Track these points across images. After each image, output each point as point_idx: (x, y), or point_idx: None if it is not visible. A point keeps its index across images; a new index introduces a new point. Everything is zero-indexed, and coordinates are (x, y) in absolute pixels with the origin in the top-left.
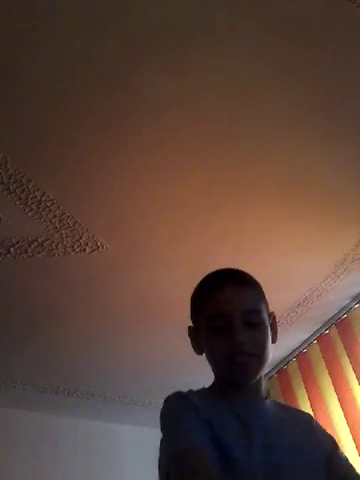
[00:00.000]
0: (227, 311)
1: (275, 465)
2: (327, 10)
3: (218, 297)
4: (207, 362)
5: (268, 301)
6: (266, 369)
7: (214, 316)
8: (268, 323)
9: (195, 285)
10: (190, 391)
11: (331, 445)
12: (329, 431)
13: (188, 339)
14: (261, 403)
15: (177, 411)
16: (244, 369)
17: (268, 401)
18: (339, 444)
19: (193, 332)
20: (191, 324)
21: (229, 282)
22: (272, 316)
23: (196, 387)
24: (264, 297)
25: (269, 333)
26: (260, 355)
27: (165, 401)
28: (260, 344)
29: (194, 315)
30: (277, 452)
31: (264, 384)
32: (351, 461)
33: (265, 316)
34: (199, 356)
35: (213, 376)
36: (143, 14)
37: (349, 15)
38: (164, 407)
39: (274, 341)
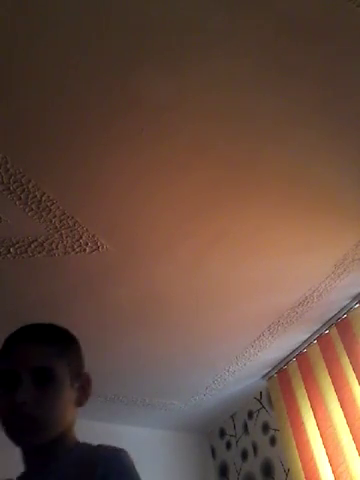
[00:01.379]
0: (13, 367)
1: None
2: (327, 10)
3: (7, 351)
4: (206, 362)
5: (267, 302)
6: (61, 430)
7: (1, 373)
8: (67, 383)
9: (195, 283)
10: None
11: None
12: (329, 431)
13: (188, 339)
14: (58, 465)
15: None
16: (23, 434)
17: (69, 456)
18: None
19: None
20: None
21: (22, 337)
22: (85, 377)
23: (196, 387)
24: (67, 355)
25: (63, 394)
26: (45, 418)
27: None
28: (47, 404)
29: None
30: None
31: (67, 443)
32: None
33: (61, 376)
34: (199, 356)
35: (213, 376)
36: (143, 14)
37: (349, 15)
38: None
39: (81, 404)
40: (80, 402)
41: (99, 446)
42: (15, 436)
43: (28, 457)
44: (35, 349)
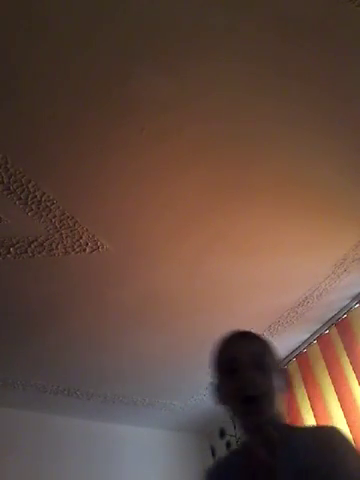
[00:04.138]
0: (237, 356)
1: None
2: (327, 10)
3: (227, 345)
4: (206, 362)
5: (267, 302)
6: (274, 410)
7: (226, 362)
8: (275, 370)
9: (195, 283)
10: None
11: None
12: None
13: (188, 339)
14: (276, 452)
15: None
16: (252, 414)
17: (288, 442)
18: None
19: (213, 386)
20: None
21: (236, 334)
22: (285, 371)
23: (196, 387)
24: (270, 349)
25: (274, 377)
26: (265, 398)
27: None
28: (265, 385)
29: (213, 368)
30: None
31: (278, 426)
32: None
33: (271, 363)
34: (199, 356)
35: (213, 376)
36: (143, 13)
37: (349, 15)
38: None
39: (284, 392)
40: (283, 390)
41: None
42: (242, 418)
43: (251, 434)
44: (249, 339)
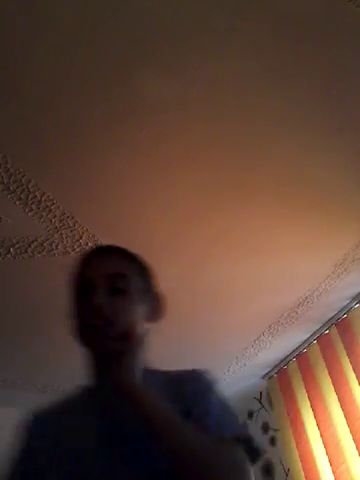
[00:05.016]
0: (90, 276)
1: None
2: (327, 10)
3: (84, 262)
4: (206, 362)
5: (267, 302)
6: (132, 341)
7: (78, 280)
8: (139, 296)
9: (195, 283)
10: (40, 414)
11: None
12: (329, 431)
13: (188, 339)
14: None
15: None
16: (100, 337)
17: (142, 375)
18: (339, 444)
19: (68, 314)
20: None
21: (98, 251)
22: (157, 295)
23: None
24: (140, 270)
25: (135, 304)
26: (121, 322)
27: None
28: (122, 310)
29: (68, 292)
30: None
31: (137, 359)
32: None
33: (134, 287)
34: (199, 357)
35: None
36: (143, 14)
37: (349, 15)
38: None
39: (153, 320)
40: (152, 318)
41: (183, 370)
42: (89, 341)
43: (100, 364)
44: (110, 258)
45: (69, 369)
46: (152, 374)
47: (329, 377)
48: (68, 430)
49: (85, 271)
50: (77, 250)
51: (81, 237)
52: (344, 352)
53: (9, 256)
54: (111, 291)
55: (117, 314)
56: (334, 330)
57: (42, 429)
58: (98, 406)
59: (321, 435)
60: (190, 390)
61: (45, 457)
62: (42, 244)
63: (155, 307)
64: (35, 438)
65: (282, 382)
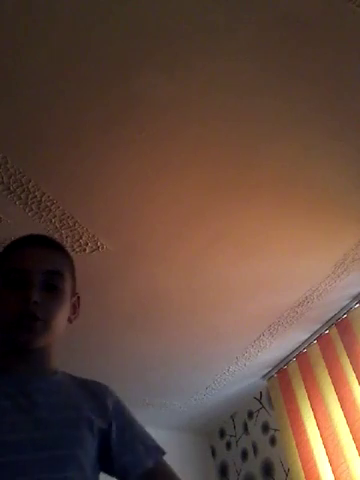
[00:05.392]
0: (27, 268)
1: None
2: (327, 10)
3: (20, 255)
4: (206, 362)
5: (267, 302)
6: (53, 339)
7: (12, 271)
8: (69, 295)
9: (195, 283)
10: None
11: (112, 426)
12: (329, 431)
13: (188, 339)
14: (46, 377)
15: None
16: (29, 331)
17: (58, 375)
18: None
19: None
20: None
21: (34, 242)
22: (77, 296)
23: (196, 387)
24: (71, 269)
25: (65, 303)
26: (49, 320)
27: None
28: (52, 309)
29: None
30: (47, 425)
31: (53, 357)
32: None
33: (67, 286)
34: (199, 356)
35: (213, 376)
36: (142, 14)
37: (349, 15)
38: None
39: (71, 321)
40: (70, 319)
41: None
42: (14, 333)
43: (14, 359)
44: (48, 254)
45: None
46: (64, 374)
47: (329, 377)
48: None
49: (23, 262)
50: (77, 250)
51: (81, 237)
52: (344, 352)
53: None
54: (46, 287)
55: (49, 312)
56: (334, 330)
57: None
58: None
59: (321, 435)
60: (111, 404)
61: None
62: None
63: (75, 308)
64: None
65: (282, 382)
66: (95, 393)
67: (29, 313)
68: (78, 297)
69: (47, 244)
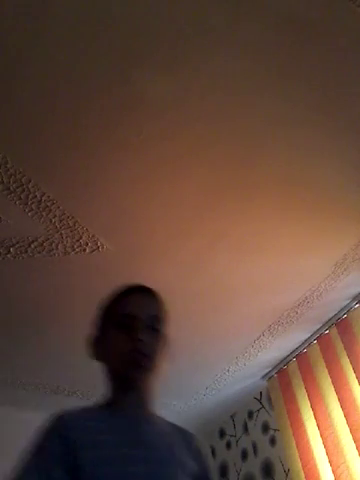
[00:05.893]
0: (135, 313)
1: (153, 473)
2: (327, 10)
3: (129, 302)
4: (206, 362)
5: (267, 302)
6: (155, 378)
7: (122, 317)
8: (164, 335)
9: (195, 283)
10: (75, 411)
11: (202, 471)
12: (329, 431)
13: (188, 339)
14: (150, 418)
15: (41, 442)
16: (139, 368)
17: (157, 417)
18: (339, 444)
19: (95, 338)
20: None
21: (138, 290)
22: (168, 338)
23: (196, 387)
24: (165, 312)
25: (163, 343)
26: (153, 358)
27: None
28: (156, 347)
29: (103, 317)
30: (155, 463)
31: (153, 399)
32: None
33: (163, 327)
34: (199, 356)
35: (213, 376)
36: (143, 14)
37: (349, 15)
38: (39, 432)
39: (163, 359)
40: (163, 357)
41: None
42: (125, 369)
43: (124, 396)
44: (150, 301)
45: (68, 368)
46: (159, 417)
47: (329, 377)
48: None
49: (132, 308)
50: (77, 250)
51: (81, 237)
52: (344, 352)
53: (9, 256)
54: (149, 329)
55: (153, 350)
56: (334, 330)
57: (76, 424)
58: (128, 427)
59: (321, 435)
60: (197, 450)
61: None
62: (42, 244)
63: (166, 348)
64: (71, 431)
65: (282, 382)
66: (186, 438)
67: (137, 350)
68: (168, 339)
69: (148, 292)
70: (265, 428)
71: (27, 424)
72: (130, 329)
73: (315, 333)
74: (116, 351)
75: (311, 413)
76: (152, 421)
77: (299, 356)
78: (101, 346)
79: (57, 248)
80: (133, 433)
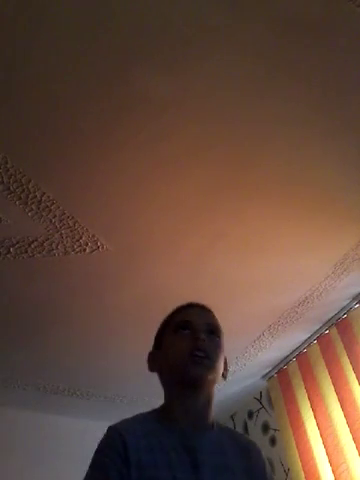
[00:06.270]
0: (193, 319)
1: None
2: (327, 10)
3: (186, 311)
4: None
5: (267, 302)
6: (214, 383)
7: (180, 322)
8: (223, 349)
9: (195, 283)
10: (129, 424)
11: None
12: (329, 431)
13: None
14: (207, 433)
15: (100, 457)
16: (200, 365)
17: (215, 430)
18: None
19: (153, 352)
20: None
21: (193, 304)
22: (225, 359)
23: None
24: (221, 327)
25: (223, 351)
26: (214, 360)
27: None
28: (215, 351)
29: (161, 332)
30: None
31: (212, 408)
32: None
33: (222, 340)
34: None
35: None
36: (143, 14)
37: (349, 15)
38: (100, 442)
39: (224, 376)
40: (224, 374)
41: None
42: (186, 368)
43: (184, 398)
44: (208, 312)
45: (68, 369)
46: (220, 429)
47: (329, 377)
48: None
49: (190, 316)
50: (77, 250)
51: (81, 237)
52: (344, 352)
53: (9, 256)
54: (209, 333)
55: (213, 351)
56: (334, 330)
57: (135, 442)
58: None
59: (321, 435)
60: (258, 462)
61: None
62: (42, 244)
63: (226, 365)
64: (131, 450)
65: (282, 382)
66: (249, 453)
67: (199, 348)
68: (226, 360)
69: (203, 306)
70: (265, 428)
71: (27, 424)
72: (190, 331)
73: (315, 333)
74: (176, 353)
75: (311, 413)
76: (208, 438)
77: (299, 356)
78: (159, 355)
79: (57, 248)
80: (183, 451)
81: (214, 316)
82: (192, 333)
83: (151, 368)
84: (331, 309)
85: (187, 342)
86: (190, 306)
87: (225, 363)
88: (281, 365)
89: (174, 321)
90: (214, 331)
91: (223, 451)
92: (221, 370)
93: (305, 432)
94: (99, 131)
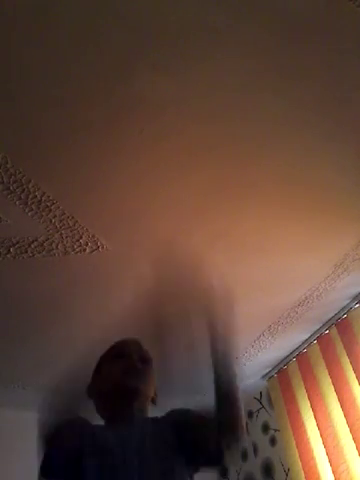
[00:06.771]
0: (127, 351)
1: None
2: (327, 10)
3: (120, 346)
4: (207, 362)
5: (267, 302)
6: (146, 404)
7: (117, 353)
8: (154, 378)
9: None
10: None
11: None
12: (329, 431)
13: (188, 339)
14: (137, 425)
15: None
16: (134, 378)
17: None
18: (339, 444)
19: (93, 377)
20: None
21: (129, 339)
22: (155, 386)
23: (196, 387)
24: (151, 358)
25: (154, 376)
26: (146, 377)
27: None
28: (145, 375)
29: (100, 363)
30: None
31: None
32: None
33: (153, 371)
34: (199, 356)
35: (204, 379)
36: (143, 13)
37: (349, 15)
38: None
39: (154, 401)
40: (154, 399)
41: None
42: (122, 381)
43: (119, 415)
44: (140, 345)
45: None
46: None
47: (329, 377)
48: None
49: (124, 348)
50: (77, 250)
51: (81, 237)
52: (344, 352)
53: (9, 256)
54: (140, 359)
55: (145, 370)
56: (334, 330)
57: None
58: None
59: (321, 435)
60: (167, 419)
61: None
62: (42, 244)
63: (155, 394)
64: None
65: (282, 382)
66: (160, 424)
67: (133, 366)
68: (156, 394)
69: (135, 340)
70: (265, 428)
71: (27, 424)
72: (122, 358)
73: (315, 333)
74: (112, 373)
75: (311, 413)
76: (141, 429)
77: (299, 356)
78: (98, 379)
79: (57, 248)
80: (125, 442)
81: (144, 348)
82: (126, 358)
83: (89, 396)
84: (331, 309)
85: (122, 365)
86: (124, 341)
87: (155, 389)
88: (281, 365)
89: (110, 354)
90: (145, 360)
91: (153, 437)
92: (153, 390)
93: (305, 432)
94: (99, 131)
